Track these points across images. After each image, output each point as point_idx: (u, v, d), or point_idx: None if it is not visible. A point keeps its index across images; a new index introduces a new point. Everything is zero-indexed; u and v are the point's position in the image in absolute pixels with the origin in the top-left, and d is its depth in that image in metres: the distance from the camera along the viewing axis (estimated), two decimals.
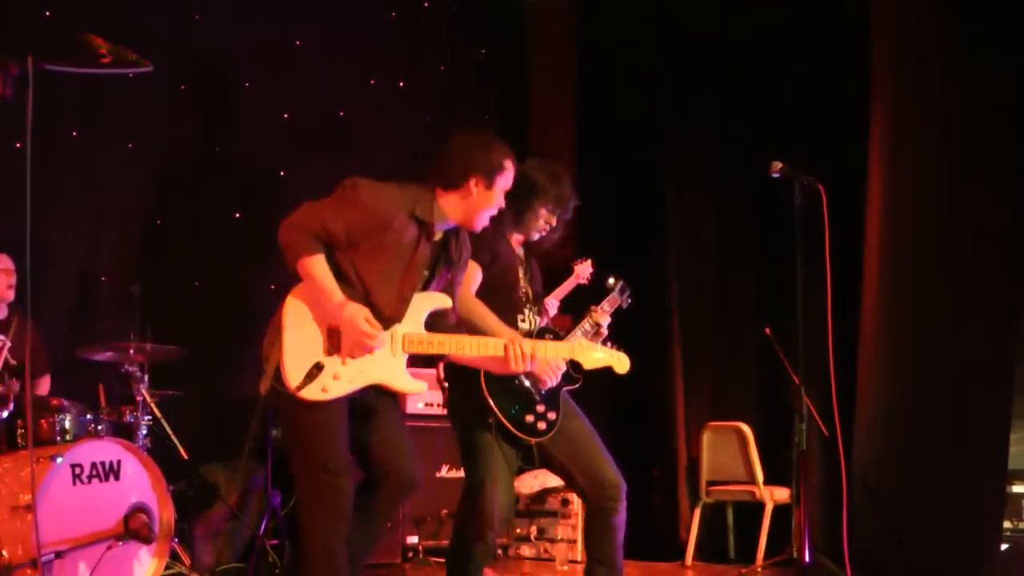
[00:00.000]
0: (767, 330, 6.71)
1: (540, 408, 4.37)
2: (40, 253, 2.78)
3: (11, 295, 5.70)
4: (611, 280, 4.88)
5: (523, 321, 4.54)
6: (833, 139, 7.18)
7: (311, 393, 3.67)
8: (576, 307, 4.77)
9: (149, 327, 5.76)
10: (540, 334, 4.53)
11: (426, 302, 3.90)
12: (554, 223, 4.55)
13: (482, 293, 4.37)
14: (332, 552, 3.74)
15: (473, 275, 4.35)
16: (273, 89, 7.45)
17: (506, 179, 3.96)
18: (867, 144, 6.83)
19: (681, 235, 7.92)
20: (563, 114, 8.96)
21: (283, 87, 7.48)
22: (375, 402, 3.88)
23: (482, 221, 3.99)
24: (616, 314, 4.76)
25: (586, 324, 4.66)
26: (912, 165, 6.67)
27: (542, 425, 4.37)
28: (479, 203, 3.92)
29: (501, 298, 4.41)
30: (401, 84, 8.09)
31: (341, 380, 3.73)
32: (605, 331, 4.69)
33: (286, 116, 7.48)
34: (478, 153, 3.92)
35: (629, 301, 4.91)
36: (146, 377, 5.56)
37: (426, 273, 3.94)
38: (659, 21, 8.12)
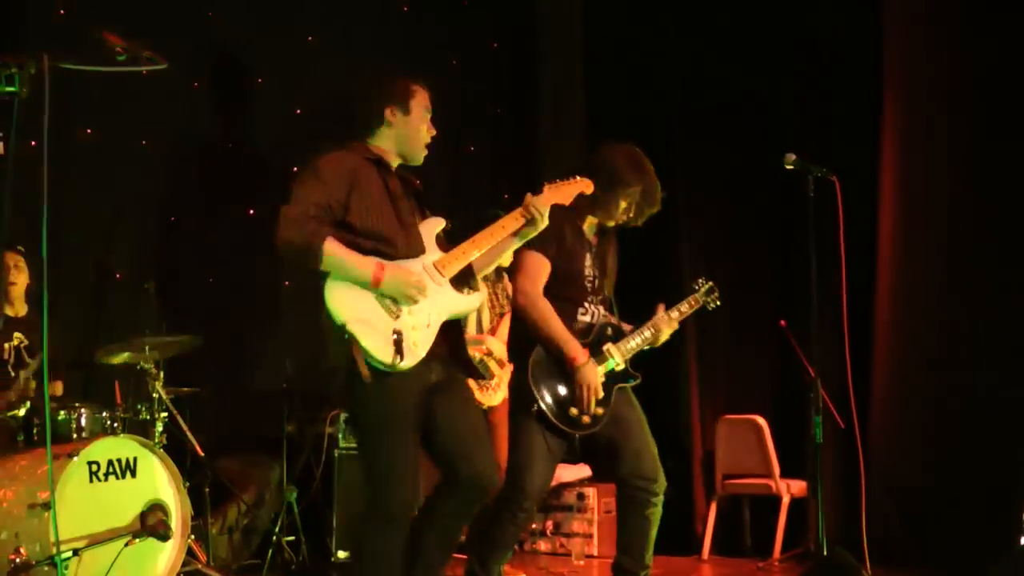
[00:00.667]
0: (782, 322, 6.69)
1: None
2: (56, 251, 2.79)
3: (21, 291, 5.71)
4: (700, 280, 4.92)
5: (584, 314, 4.54)
6: (846, 130, 7.14)
7: (411, 357, 3.66)
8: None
9: (164, 324, 5.76)
10: (601, 329, 4.53)
11: (429, 228, 3.94)
12: (632, 214, 4.53)
13: (550, 283, 4.38)
14: (393, 565, 3.69)
15: (539, 268, 4.34)
16: (286, 85, 7.45)
17: (420, 100, 3.96)
18: (880, 135, 6.80)
19: (694, 227, 7.89)
20: (573, 106, 8.96)
21: (295, 83, 7.48)
22: (449, 398, 3.85)
23: (419, 150, 3.98)
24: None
25: (653, 325, 4.65)
26: (925, 155, 6.65)
27: (586, 419, 4.38)
28: (405, 132, 3.94)
29: (563, 288, 4.42)
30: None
31: (420, 330, 3.72)
32: (662, 336, 4.68)
33: (299, 112, 7.48)
34: (382, 86, 3.97)
35: (718, 303, 4.93)
36: (161, 374, 5.57)
37: (413, 202, 3.97)
38: (668, 12, 8.10)
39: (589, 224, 4.60)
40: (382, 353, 3.63)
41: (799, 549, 6.76)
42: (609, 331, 4.55)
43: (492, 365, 6.09)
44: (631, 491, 4.50)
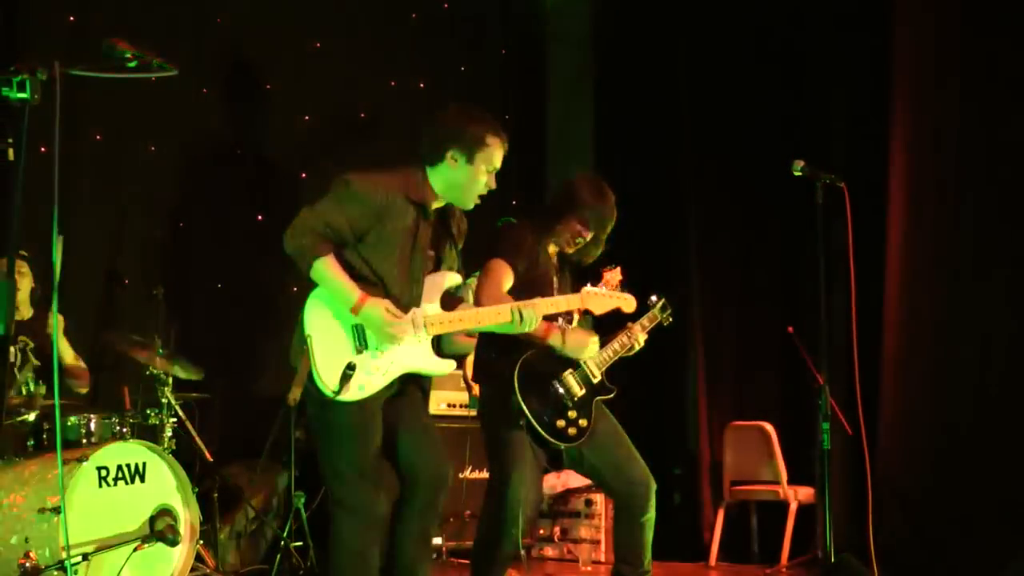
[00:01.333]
0: (790, 328, 6.69)
1: (572, 414, 4.40)
2: (65, 256, 2.81)
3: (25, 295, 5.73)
4: (653, 297, 4.86)
5: None
6: (855, 136, 7.14)
7: (350, 394, 3.69)
8: (617, 322, 4.75)
9: (173, 329, 5.77)
10: None
11: (438, 282, 3.93)
12: (587, 238, 4.55)
13: (517, 298, 4.37)
14: (366, 558, 3.76)
15: (504, 276, 4.34)
16: (294, 91, 7.47)
17: (489, 155, 3.88)
18: (889, 141, 6.80)
19: (702, 234, 7.89)
20: (582, 113, 8.97)
21: (304, 89, 7.49)
22: (403, 402, 3.90)
23: (469, 198, 3.94)
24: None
25: (623, 337, 4.63)
26: (934, 162, 6.64)
27: (572, 431, 4.40)
28: (461, 179, 3.88)
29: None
30: (421, 85, 8.10)
31: (375, 375, 3.75)
32: (637, 345, 4.66)
33: (307, 118, 7.49)
34: (457, 126, 3.89)
35: (671, 320, 4.89)
36: (170, 379, 5.58)
37: (431, 254, 3.96)
38: (678, 18, 8.10)
39: (553, 251, 4.63)
40: (326, 378, 3.69)
41: (807, 556, 6.76)
42: None
43: None
44: (625, 499, 4.52)
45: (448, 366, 3.94)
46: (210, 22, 7.09)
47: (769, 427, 7.19)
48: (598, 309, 4.26)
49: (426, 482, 3.89)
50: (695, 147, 7.96)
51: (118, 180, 6.67)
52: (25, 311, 5.74)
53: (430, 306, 3.88)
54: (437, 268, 4.00)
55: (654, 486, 4.53)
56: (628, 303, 4.31)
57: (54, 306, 3.23)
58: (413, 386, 3.97)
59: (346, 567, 3.77)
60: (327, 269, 3.70)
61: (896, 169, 6.73)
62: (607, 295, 4.25)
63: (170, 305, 6.03)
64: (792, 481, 7.10)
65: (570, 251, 4.61)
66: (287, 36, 7.45)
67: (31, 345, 5.66)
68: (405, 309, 3.80)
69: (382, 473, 3.77)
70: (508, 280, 4.37)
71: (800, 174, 4.92)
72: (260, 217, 7.23)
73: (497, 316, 3.95)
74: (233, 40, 7.18)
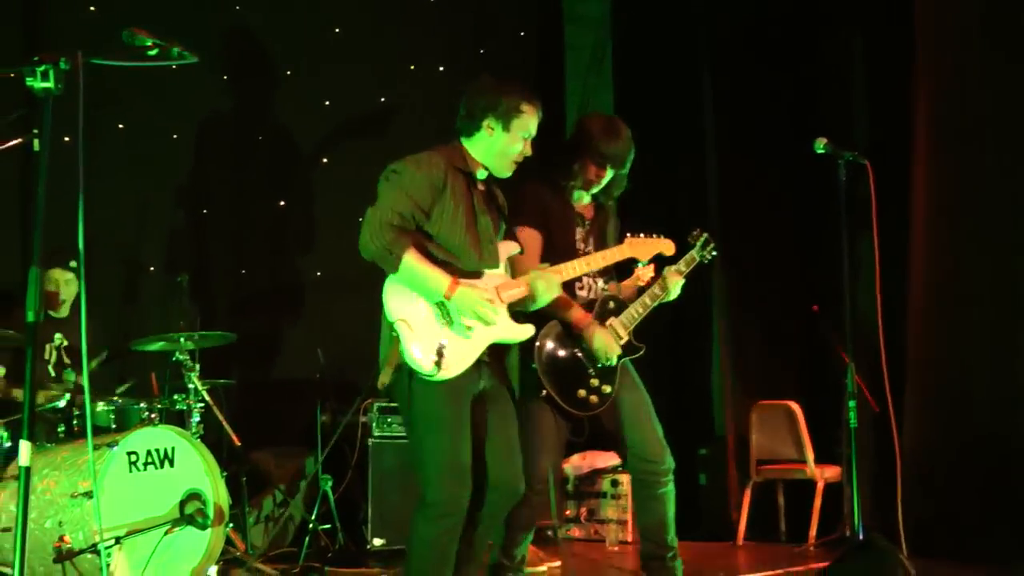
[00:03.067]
0: (815, 307, 6.67)
1: (594, 382, 4.40)
2: (90, 245, 2.83)
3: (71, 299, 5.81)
4: (695, 232, 4.85)
5: (582, 289, 4.55)
6: (877, 112, 7.10)
7: (448, 371, 3.70)
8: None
9: (198, 316, 5.81)
10: (603, 303, 4.53)
11: (506, 249, 4.00)
12: (606, 176, 4.52)
13: (544, 257, 4.38)
14: (443, 553, 3.76)
15: (532, 242, 4.36)
16: (314, 77, 7.49)
17: (524, 122, 3.93)
18: (912, 116, 6.76)
19: (724, 213, 7.87)
20: (601, 94, 8.95)
21: (324, 75, 7.51)
22: (493, 408, 3.92)
23: (507, 166, 3.97)
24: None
25: (655, 289, 4.62)
26: (958, 136, 6.59)
27: (594, 399, 4.40)
28: (498, 146, 3.92)
29: (558, 262, 4.36)
30: (441, 68, 8.10)
31: (465, 348, 3.76)
32: (671, 295, 4.63)
33: (327, 103, 7.51)
34: (491, 96, 3.92)
35: (712, 256, 4.87)
36: (197, 365, 5.62)
37: (492, 217, 4.00)
38: None
39: (578, 198, 4.60)
40: (422, 360, 3.68)
41: (834, 534, 6.74)
42: (611, 304, 4.55)
43: None
44: (640, 475, 4.53)
45: (528, 331, 3.98)
46: (229, 9, 7.12)
47: (795, 406, 7.17)
48: (643, 255, 4.32)
49: (497, 494, 3.89)
50: (715, 125, 7.93)
51: (141, 168, 6.71)
52: (64, 310, 5.81)
53: (502, 273, 3.95)
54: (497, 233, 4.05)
55: (671, 464, 4.51)
56: (669, 246, 4.36)
57: (83, 298, 3.24)
58: (505, 390, 3.98)
59: (421, 561, 3.76)
60: (414, 262, 3.70)
61: (919, 143, 6.68)
62: (649, 240, 4.30)
63: (194, 291, 6.07)
64: (819, 460, 7.09)
65: (593, 192, 4.58)
66: (306, 22, 7.47)
67: (66, 343, 5.73)
68: (483, 273, 3.87)
69: (467, 468, 3.74)
70: (537, 244, 4.38)
71: (823, 151, 4.90)
72: (282, 203, 7.26)
73: (560, 276, 4.04)
74: (252, 27, 7.20)
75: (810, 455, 7.07)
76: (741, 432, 7.59)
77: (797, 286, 7.58)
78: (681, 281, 4.66)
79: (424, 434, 3.75)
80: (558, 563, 6.22)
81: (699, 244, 4.83)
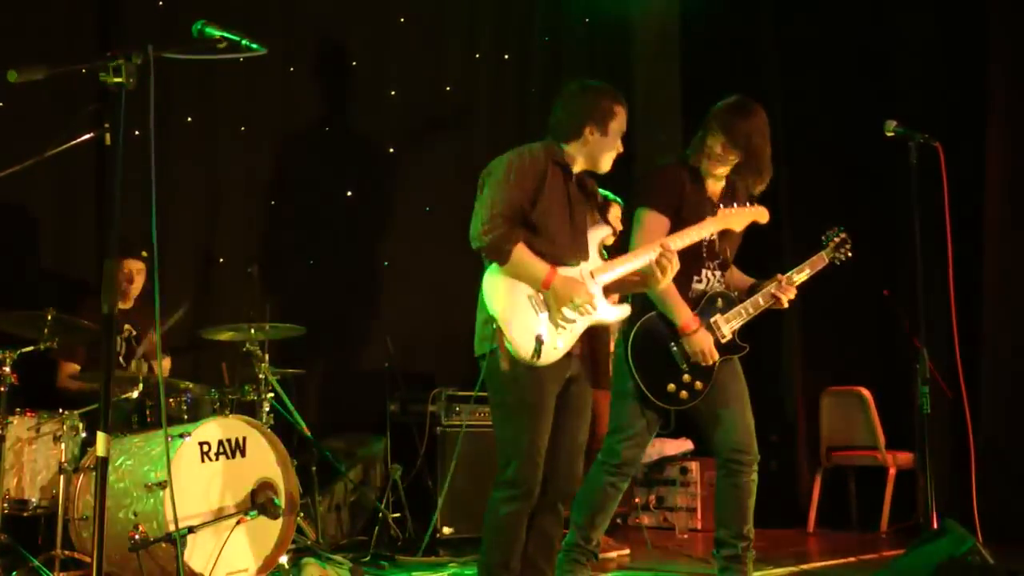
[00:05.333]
0: (886, 291, 6.58)
1: (686, 378, 4.38)
2: (161, 237, 2.87)
3: (138, 291, 5.89)
4: (831, 230, 4.82)
5: (699, 281, 4.52)
6: (950, 94, 6.99)
7: (548, 357, 3.84)
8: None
9: (268, 307, 5.86)
10: (711, 300, 4.50)
11: (595, 236, 4.10)
12: (732, 158, 4.44)
13: None
14: (516, 531, 3.93)
15: (654, 224, 4.36)
16: (380, 67, 7.51)
17: (619, 122, 4.08)
18: (986, 99, 6.64)
19: (794, 197, 7.78)
20: (668, 79, 8.89)
21: (389, 64, 7.53)
22: (573, 392, 4.01)
23: (607, 165, 4.11)
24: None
25: (768, 290, 4.54)
26: None
27: (684, 394, 4.39)
28: (598, 148, 4.07)
29: (680, 253, 4.29)
30: (506, 57, 8.09)
31: (564, 332, 3.89)
32: (782, 303, 4.57)
33: (393, 93, 7.53)
34: (588, 103, 4.08)
35: (847, 257, 4.82)
36: (267, 355, 5.67)
37: (587, 208, 4.12)
38: None
39: (714, 183, 4.54)
40: (523, 349, 3.82)
41: (907, 522, 6.67)
42: (719, 302, 4.50)
43: None
44: (724, 463, 4.50)
45: (624, 311, 4.14)
46: (294, 1, 7.15)
47: (866, 392, 7.10)
48: (737, 225, 4.31)
49: (554, 491, 4.01)
50: (785, 109, 7.84)
51: (211, 161, 6.78)
52: (130, 302, 5.89)
53: (593, 259, 4.05)
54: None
55: (756, 456, 4.49)
56: (763, 214, 4.35)
57: (156, 289, 3.28)
58: (584, 390, 4.06)
59: (499, 538, 3.93)
60: (522, 256, 3.86)
61: (993, 127, 6.57)
62: (742, 209, 4.29)
63: (264, 282, 6.12)
64: (890, 446, 7.01)
65: (719, 172, 4.50)
66: (371, 12, 7.49)
67: (134, 333, 5.80)
68: (576, 262, 3.98)
69: (544, 455, 3.90)
70: (661, 227, 4.34)
71: (893, 134, 4.83)
72: (350, 193, 7.30)
73: (650, 256, 4.05)
74: (318, 18, 7.23)
75: (882, 441, 7.00)
76: (812, 418, 7.53)
77: (868, 270, 7.48)
78: (792, 291, 4.58)
79: (514, 418, 3.91)
80: (627, 551, 6.21)
81: (833, 244, 4.77)
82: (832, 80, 7.64)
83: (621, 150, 4.12)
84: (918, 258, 4.78)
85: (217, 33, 2.97)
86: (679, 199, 4.40)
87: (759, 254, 4.80)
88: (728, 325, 4.47)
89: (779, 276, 4.58)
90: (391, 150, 7.48)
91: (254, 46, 3.01)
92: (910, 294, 5.01)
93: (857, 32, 7.54)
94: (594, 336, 4.08)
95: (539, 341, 3.82)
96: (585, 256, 4.03)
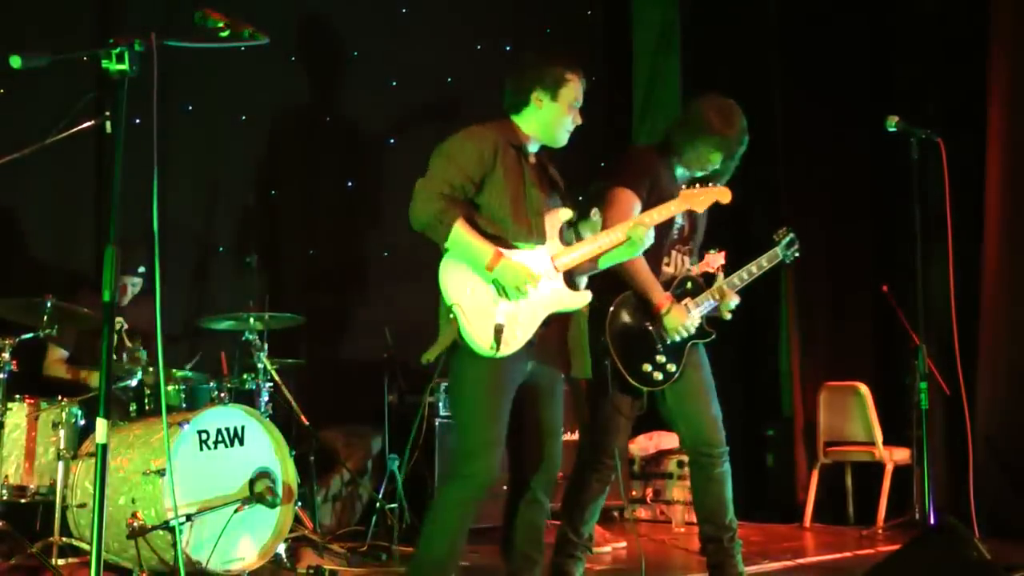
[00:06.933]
0: (884, 287, 6.58)
1: (660, 359, 4.38)
2: (160, 226, 2.86)
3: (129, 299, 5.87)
4: (782, 231, 4.79)
5: (668, 264, 4.53)
6: (951, 90, 6.98)
7: (508, 347, 3.75)
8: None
9: (267, 296, 5.86)
10: (681, 283, 4.50)
11: (554, 219, 3.98)
12: (715, 164, 4.47)
13: None
14: (461, 526, 3.84)
15: (630, 204, 4.32)
16: (380, 57, 7.50)
17: (571, 91, 3.96)
18: (986, 94, 6.64)
19: (794, 191, 7.79)
20: (669, 72, 8.88)
21: (390, 55, 7.52)
22: (539, 379, 3.95)
23: (560, 136, 4.00)
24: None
25: (735, 279, 4.57)
26: None
27: (658, 376, 4.38)
28: (550, 118, 3.96)
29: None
30: (508, 48, 8.08)
31: (524, 322, 3.81)
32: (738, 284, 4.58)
33: (394, 84, 7.52)
34: (536, 69, 3.98)
35: (796, 256, 4.81)
36: (266, 345, 5.67)
37: (543, 191, 4.00)
38: None
39: (680, 175, 4.54)
40: (481, 340, 3.73)
41: (903, 517, 6.67)
42: (689, 285, 4.52)
43: None
44: (695, 457, 4.50)
45: (585, 297, 4.00)
46: None
47: (864, 387, 7.10)
48: (699, 206, 4.22)
49: (535, 481, 3.95)
50: (785, 104, 7.85)
51: (210, 150, 6.77)
52: (124, 301, 5.86)
53: (552, 243, 3.94)
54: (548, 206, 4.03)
55: (725, 448, 4.48)
56: (724, 194, 4.20)
57: (156, 280, 3.28)
58: (552, 371, 4.00)
59: (436, 531, 3.84)
60: (463, 232, 3.75)
61: (994, 121, 6.57)
62: (705, 190, 4.16)
63: (263, 272, 6.12)
64: (887, 442, 7.02)
65: (696, 174, 4.52)
66: (373, 1, 7.48)
67: (126, 326, 5.78)
68: (532, 247, 3.87)
69: (500, 446, 3.81)
70: (635, 208, 4.33)
71: (895, 129, 4.84)
72: (349, 183, 7.29)
73: (615, 238, 3.98)
74: (319, 8, 7.22)
75: (879, 437, 7.00)
76: (809, 413, 7.54)
77: (867, 266, 7.49)
78: (735, 298, 4.56)
79: (471, 410, 3.81)
80: (623, 544, 6.22)
81: (784, 242, 4.77)
82: (834, 73, 7.63)
83: (580, 122, 4.01)
84: (918, 253, 4.79)
85: (219, 22, 2.96)
86: (652, 182, 4.40)
87: (758, 253, 4.79)
88: (697, 309, 4.48)
89: (720, 278, 4.57)
90: (391, 140, 7.47)
91: (256, 35, 3.00)
92: (909, 290, 5.01)
93: (859, 26, 7.53)
94: (563, 322, 3.98)
95: (498, 331, 3.72)
96: (541, 239, 3.91)
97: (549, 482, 4.01)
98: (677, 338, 4.39)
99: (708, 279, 4.58)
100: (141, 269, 5.77)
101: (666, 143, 4.52)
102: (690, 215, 4.56)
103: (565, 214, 4.01)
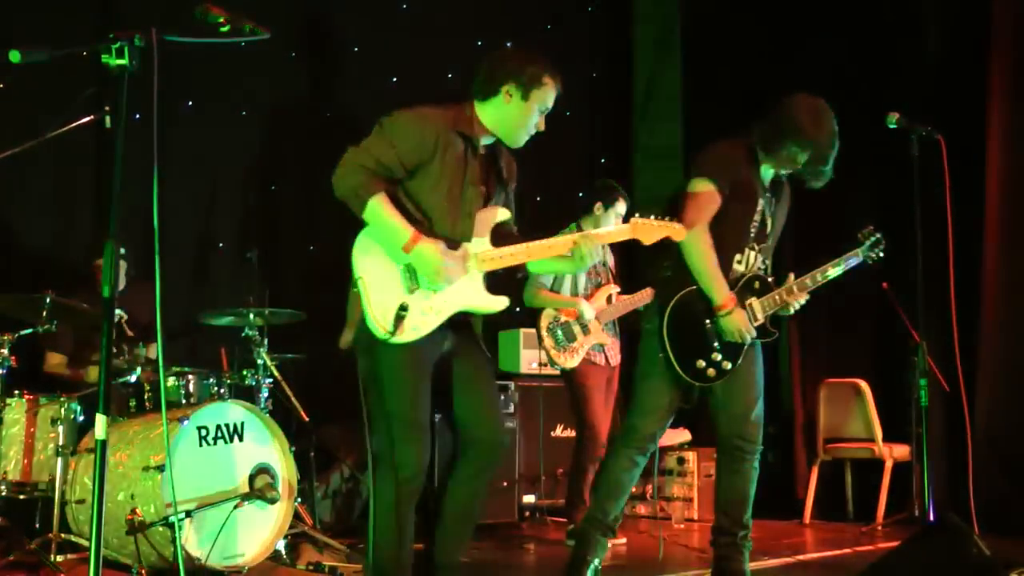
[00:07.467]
0: (884, 284, 6.58)
1: (716, 356, 4.38)
2: (160, 221, 2.85)
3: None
4: (867, 230, 4.75)
5: (739, 262, 4.50)
6: (951, 87, 6.98)
7: (405, 335, 3.63)
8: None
9: (267, 291, 5.86)
10: (748, 282, 4.49)
11: (488, 218, 3.85)
12: (801, 164, 4.44)
13: (714, 220, 4.33)
14: (401, 516, 3.70)
15: (708, 197, 4.30)
16: (381, 53, 7.49)
17: (544, 95, 3.84)
18: (986, 91, 6.63)
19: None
20: (669, 70, 8.88)
21: (390, 51, 7.51)
22: (463, 362, 3.83)
23: (520, 136, 3.88)
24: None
25: (807, 280, 4.56)
26: None
27: (712, 372, 4.38)
28: (514, 115, 3.83)
29: (727, 229, 4.35)
30: (509, 44, 8.07)
31: (428, 315, 3.68)
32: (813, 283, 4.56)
33: (394, 79, 7.52)
34: (515, 63, 3.85)
35: (879, 257, 4.75)
36: (266, 340, 5.66)
37: (483, 189, 3.87)
38: None
39: (765, 169, 4.52)
40: (380, 320, 3.63)
41: (902, 514, 6.68)
42: (756, 284, 4.50)
43: (576, 330, 6.10)
44: (727, 447, 4.50)
45: (501, 303, 3.83)
46: None
47: (864, 384, 7.10)
48: (647, 239, 4.04)
49: (480, 446, 3.83)
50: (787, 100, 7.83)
51: (210, 145, 6.76)
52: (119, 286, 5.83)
53: (480, 242, 3.81)
54: (486, 205, 3.90)
55: (760, 447, 4.51)
56: (679, 232, 4.06)
57: (156, 276, 3.27)
58: (475, 346, 3.89)
59: (379, 525, 3.71)
60: (382, 208, 3.63)
61: (994, 120, 6.56)
62: (656, 223, 4.01)
63: (263, 267, 6.11)
64: (887, 438, 7.02)
65: (782, 173, 4.52)
66: None
67: (125, 317, 5.77)
68: (456, 244, 3.75)
69: (426, 431, 3.69)
70: (713, 203, 4.32)
71: (895, 126, 4.83)
72: None
73: (548, 250, 3.85)
74: (320, 3, 7.21)
75: (878, 433, 7.01)
76: (809, 410, 7.54)
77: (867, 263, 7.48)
78: (804, 298, 4.58)
79: (383, 396, 3.68)
80: (623, 540, 6.22)
81: (868, 243, 4.73)
82: (835, 70, 7.62)
83: (542, 128, 3.88)
84: (918, 251, 4.79)
85: (220, 17, 2.95)
86: (734, 177, 4.38)
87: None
88: (763, 309, 4.46)
89: (791, 279, 4.56)
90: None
91: (256, 30, 2.99)
92: (910, 287, 5.01)
93: (859, 22, 7.52)
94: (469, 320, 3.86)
95: (399, 316, 3.61)
96: (467, 235, 3.77)
97: (491, 462, 3.86)
98: (737, 340, 4.38)
99: (778, 278, 4.57)
100: (122, 250, 5.74)
101: (755, 139, 4.47)
102: (769, 214, 4.53)
103: (502, 214, 3.89)
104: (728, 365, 4.40)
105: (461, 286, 3.75)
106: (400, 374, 3.67)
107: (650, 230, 4.01)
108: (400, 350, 3.65)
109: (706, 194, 4.33)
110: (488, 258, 3.79)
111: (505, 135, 3.89)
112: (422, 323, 3.67)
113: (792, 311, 4.58)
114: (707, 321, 4.39)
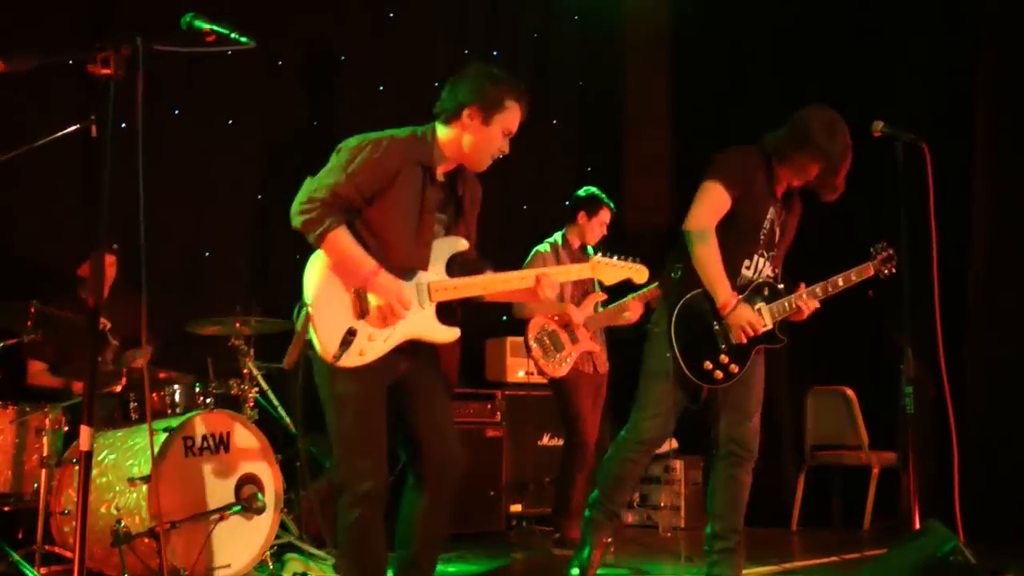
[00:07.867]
0: (871, 292, 6.59)
1: (724, 359, 4.40)
2: (147, 230, 2.84)
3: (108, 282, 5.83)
4: (881, 244, 4.79)
5: (748, 268, 4.51)
6: (936, 95, 7.01)
7: (350, 360, 3.58)
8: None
9: (254, 301, 5.84)
10: (757, 287, 4.50)
11: (445, 247, 3.79)
12: (813, 177, 4.46)
13: (722, 223, 4.35)
14: (364, 534, 3.63)
15: (718, 200, 4.32)
16: (368, 61, 7.49)
17: (507, 118, 3.73)
18: (972, 99, 6.66)
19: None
20: (658, 78, 8.89)
21: (378, 59, 7.51)
22: (417, 377, 3.76)
23: (482, 161, 3.77)
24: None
25: (817, 290, 4.58)
26: (1018, 118, 6.49)
27: (719, 375, 4.40)
28: (476, 139, 3.71)
29: (736, 234, 4.36)
30: (496, 54, 8.08)
31: (376, 341, 3.63)
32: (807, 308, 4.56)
33: (381, 88, 7.51)
34: (476, 85, 3.73)
35: (891, 271, 4.78)
36: (252, 350, 5.65)
37: (442, 217, 3.80)
38: None
39: (777, 178, 4.53)
40: (326, 344, 3.57)
41: (889, 521, 6.69)
42: (765, 291, 4.51)
43: (564, 338, 6.09)
44: (725, 452, 4.51)
45: (452, 334, 3.77)
46: None
47: (850, 391, 7.12)
48: (608, 279, 4.03)
49: (435, 466, 3.76)
50: (772, 110, 7.84)
51: (198, 154, 6.75)
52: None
53: (435, 270, 3.75)
54: (447, 234, 3.83)
55: (755, 457, 4.52)
56: (640, 273, 4.03)
57: (143, 284, 3.26)
58: (431, 368, 3.82)
59: (344, 544, 3.66)
60: (340, 240, 3.58)
61: (980, 127, 6.59)
62: (617, 264, 3.99)
63: (250, 277, 6.10)
64: (874, 446, 7.03)
65: (797, 185, 4.53)
66: (361, 6, 7.47)
67: (108, 326, 5.75)
68: (410, 274, 3.69)
69: (381, 450, 3.62)
70: (722, 205, 4.34)
71: (880, 134, 4.85)
72: None
73: (504, 283, 3.81)
74: (307, 12, 7.20)
75: (865, 440, 7.02)
76: (797, 417, 7.54)
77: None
78: (815, 306, 4.62)
79: (335, 416, 3.63)
80: (609, 540, 6.20)
81: (880, 258, 4.78)
82: (819, 78, 7.65)
83: (506, 151, 3.77)
84: (904, 257, 4.80)
85: (206, 25, 2.95)
86: (747, 183, 4.40)
87: None
88: (771, 315, 4.48)
89: (802, 288, 4.58)
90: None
91: (242, 39, 2.99)
92: (895, 294, 5.02)
93: (845, 33, 7.55)
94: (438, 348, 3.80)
95: (346, 340, 3.55)
96: (423, 267, 3.70)
97: (450, 482, 3.77)
98: (743, 337, 4.38)
99: (788, 287, 4.58)
100: (115, 247, 5.73)
101: (770, 148, 4.49)
102: (780, 223, 4.55)
103: (460, 244, 3.81)
104: (736, 368, 4.42)
105: (412, 315, 3.68)
106: (349, 396, 3.61)
107: (610, 270, 3.99)
108: (348, 373, 3.60)
109: (714, 194, 4.36)
110: (442, 287, 3.72)
111: (466, 160, 3.78)
112: (369, 349, 3.61)
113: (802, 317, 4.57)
114: (715, 323, 4.41)
